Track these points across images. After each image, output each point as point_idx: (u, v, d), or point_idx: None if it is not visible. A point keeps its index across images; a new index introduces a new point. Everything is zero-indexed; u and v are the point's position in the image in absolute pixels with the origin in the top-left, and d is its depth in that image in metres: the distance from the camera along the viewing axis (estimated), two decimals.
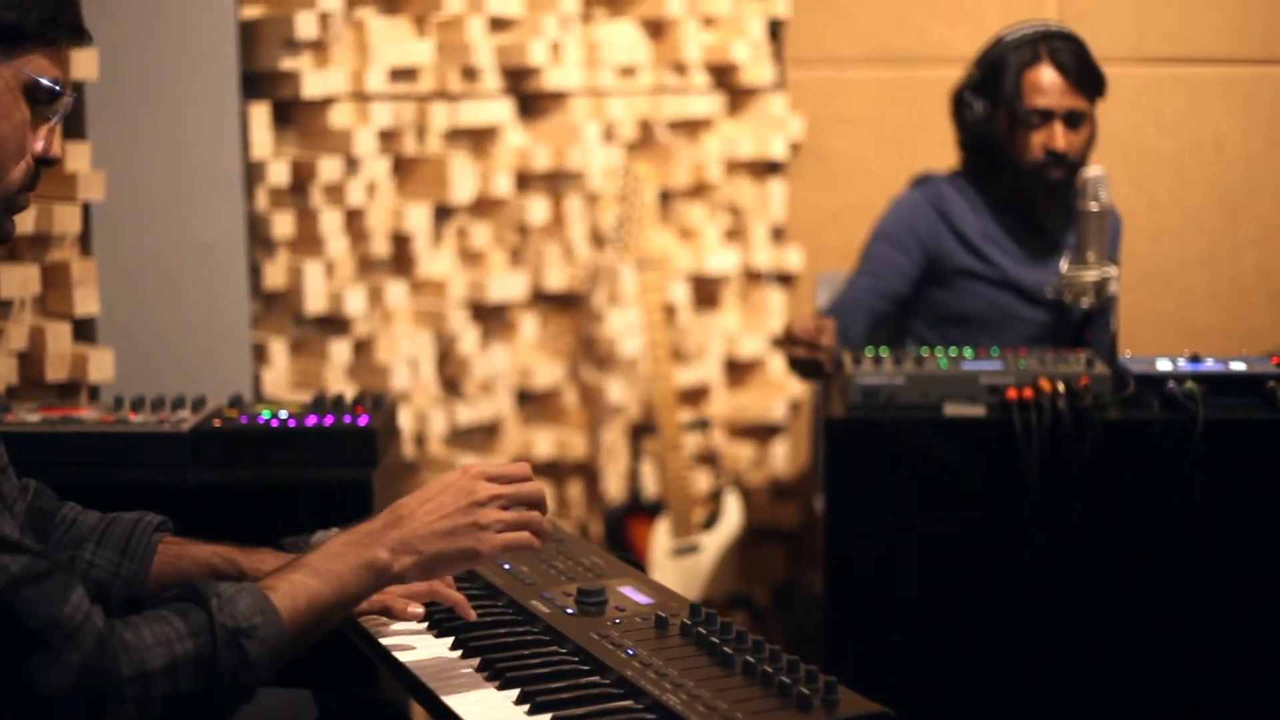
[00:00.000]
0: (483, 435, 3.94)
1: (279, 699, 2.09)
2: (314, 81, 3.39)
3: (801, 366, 3.16)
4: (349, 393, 3.28)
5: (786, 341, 3.16)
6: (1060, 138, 3.29)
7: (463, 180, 3.69)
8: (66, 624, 1.54)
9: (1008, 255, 3.43)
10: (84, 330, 2.98)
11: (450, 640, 1.91)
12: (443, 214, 3.78)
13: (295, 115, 3.50)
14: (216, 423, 2.64)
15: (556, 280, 3.98)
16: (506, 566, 2.12)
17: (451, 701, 1.73)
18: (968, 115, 3.40)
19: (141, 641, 1.57)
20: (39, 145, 1.75)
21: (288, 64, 3.35)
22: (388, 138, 3.61)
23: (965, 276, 3.42)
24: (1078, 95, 3.30)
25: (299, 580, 1.69)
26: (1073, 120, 3.31)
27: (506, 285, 3.86)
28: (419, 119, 3.65)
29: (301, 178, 3.44)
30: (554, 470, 4.12)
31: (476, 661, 1.83)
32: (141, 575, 1.99)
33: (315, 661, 2.30)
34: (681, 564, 4.00)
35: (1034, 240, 3.44)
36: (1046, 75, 3.30)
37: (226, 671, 1.60)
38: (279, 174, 3.40)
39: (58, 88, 1.73)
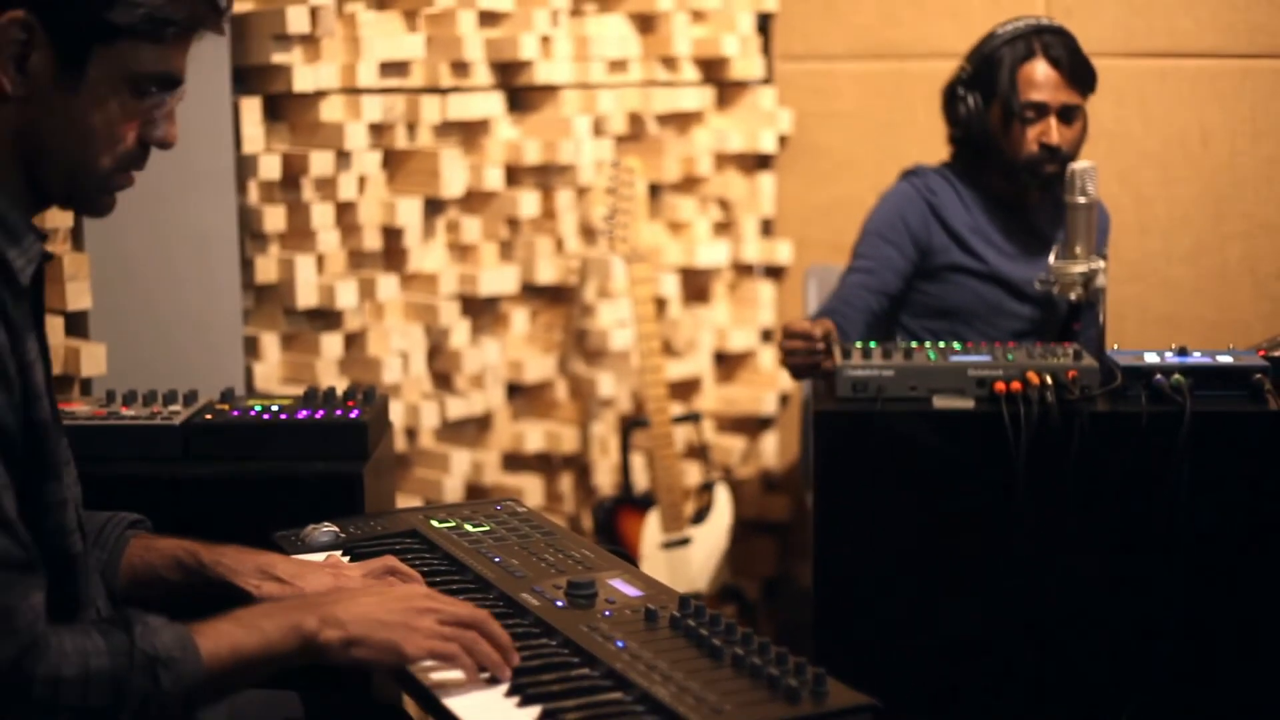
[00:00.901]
0: (474, 428, 3.95)
1: (264, 702, 2.10)
2: (305, 75, 3.40)
3: (798, 367, 3.11)
4: (340, 386, 3.28)
5: (784, 338, 3.12)
6: (1055, 132, 3.31)
7: (453, 174, 3.70)
8: (16, 618, 1.56)
9: (996, 250, 3.44)
10: (76, 324, 2.99)
11: None
12: (433, 207, 3.79)
13: (286, 109, 3.51)
14: (208, 416, 2.64)
15: (547, 273, 3.99)
16: (496, 560, 2.14)
17: (441, 694, 1.74)
18: (960, 110, 3.41)
19: (61, 647, 1.57)
20: (154, 133, 1.76)
21: (279, 58, 3.35)
22: (379, 131, 3.62)
23: (953, 270, 3.43)
24: (1071, 90, 3.32)
25: (225, 628, 1.69)
26: (1066, 115, 3.32)
27: (497, 278, 3.87)
28: (410, 113, 3.66)
29: (293, 171, 3.45)
30: (545, 463, 4.13)
31: None
32: (113, 564, 2.02)
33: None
34: (672, 557, 4.02)
35: (1023, 235, 3.45)
36: (1041, 70, 3.31)
37: (136, 696, 1.59)
38: (270, 168, 3.40)
39: (160, 82, 1.74)
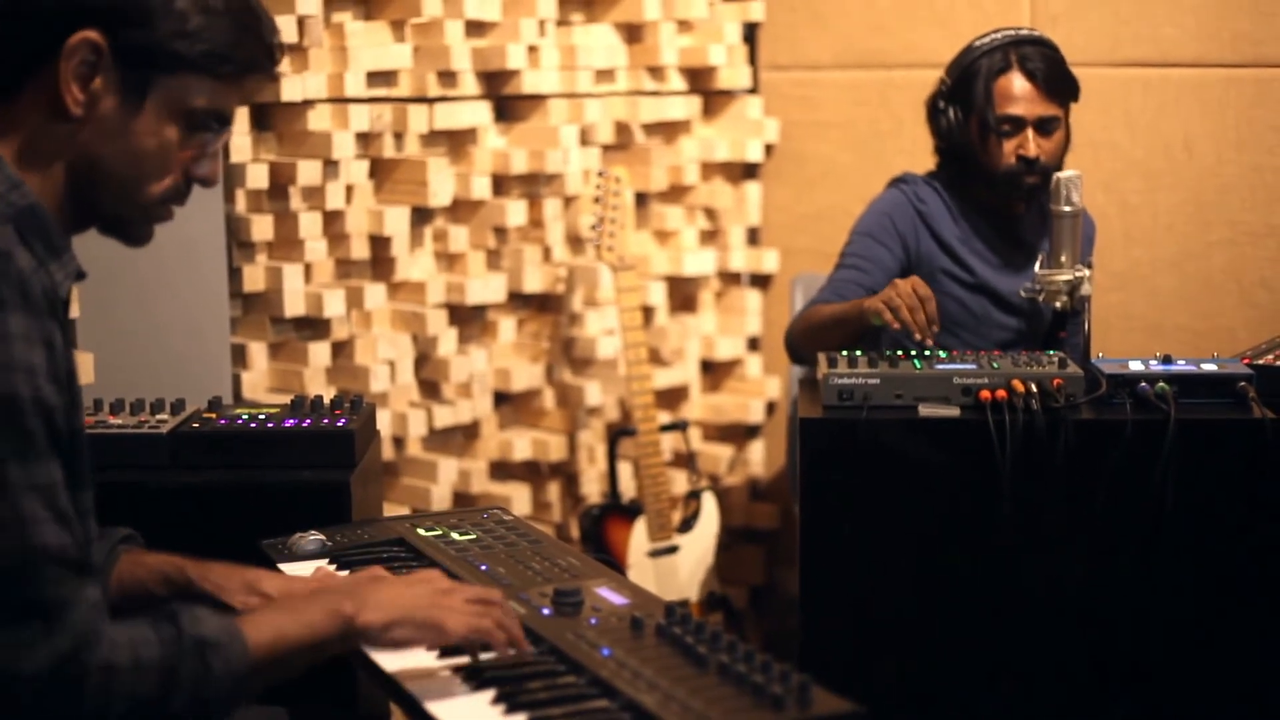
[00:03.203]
0: (461, 437, 3.95)
1: (254, 717, 2.11)
2: (292, 85, 3.40)
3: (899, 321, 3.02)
4: (328, 395, 3.29)
5: (910, 292, 3.03)
6: (1032, 144, 3.30)
7: (441, 183, 3.71)
8: (72, 611, 1.57)
9: (982, 260, 3.44)
10: None
11: None
12: (421, 216, 3.79)
13: (274, 119, 3.52)
14: (195, 425, 2.65)
15: (534, 282, 4.00)
16: (483, 567, 2.14)
17: (427, 701, 1.75)
18: (941, 123, 3.41)
19: (113, 638, 1.60)
20: (199, 169, 1.81)
21: None
22: (366, 141, 3.62)
23: (940, 279, 3.43)
24: (1049, 102, 3.32)
25: (267, 615, 1.75)
26: (1044, 127, 3.32)
27: (484, 287, 3.87)
28: (397, 122, 3.66)
29: (280, 181, 3.46)
30: (532, 472, 4.13)
31: (453, 662, 1.85)
32: (103, 579, 2.02)
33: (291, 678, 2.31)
34: (659, 565, 4.02)
35: (1009, 246, 3.46)
36: (1017, 83, 3.31)
37: (188, 682, 1.63)
38: (258, 177, 3.41)
39: (212, 119, 1.78)
